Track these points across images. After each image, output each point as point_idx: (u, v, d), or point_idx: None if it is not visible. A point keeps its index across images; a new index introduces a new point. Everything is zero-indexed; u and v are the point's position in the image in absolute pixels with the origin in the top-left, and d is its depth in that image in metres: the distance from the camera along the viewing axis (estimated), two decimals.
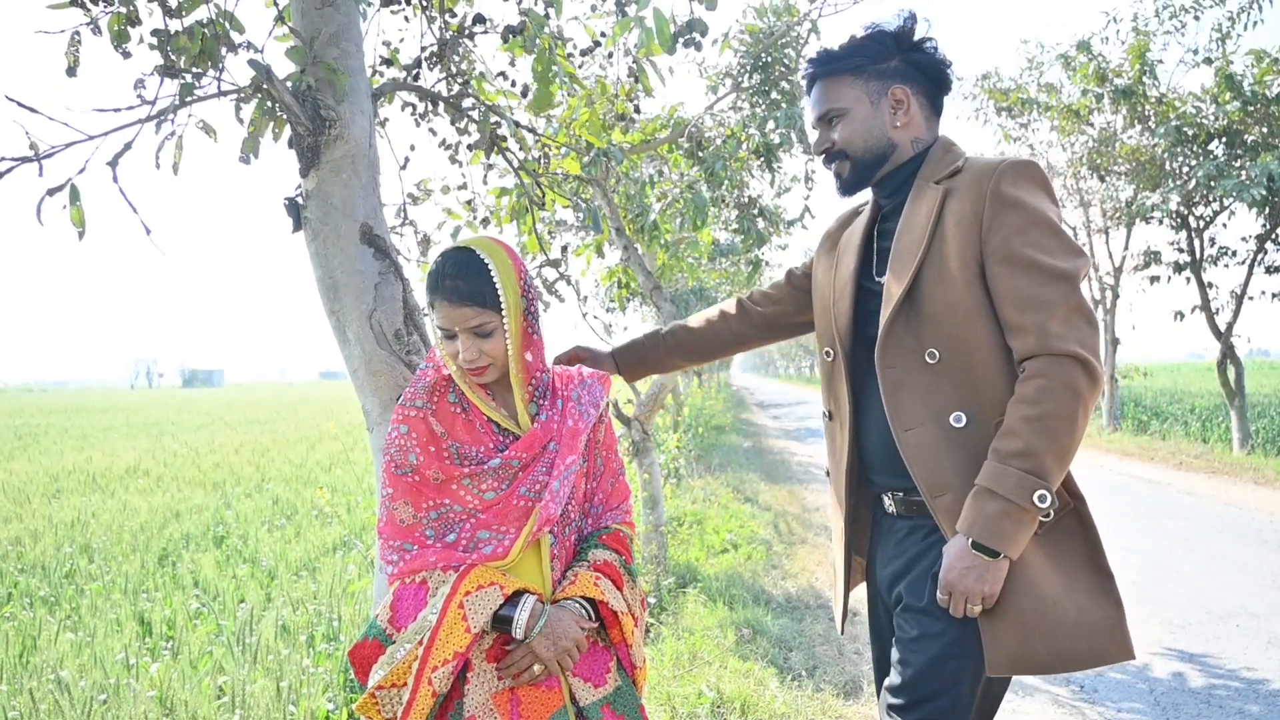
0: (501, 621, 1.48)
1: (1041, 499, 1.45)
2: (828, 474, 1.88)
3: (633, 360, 2.07)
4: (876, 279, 1.72)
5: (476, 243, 1.58)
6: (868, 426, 1.73)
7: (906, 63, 1.69)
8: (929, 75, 1.71)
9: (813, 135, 1.80)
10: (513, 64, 2.73)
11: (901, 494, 1.67)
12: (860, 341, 1.76)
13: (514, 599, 1.49)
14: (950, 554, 1.51)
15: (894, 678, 1.59)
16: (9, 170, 1.74)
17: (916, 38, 1.70)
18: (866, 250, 1.77)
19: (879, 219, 1.78)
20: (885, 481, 1.70)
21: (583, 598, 1.57)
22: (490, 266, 1.54)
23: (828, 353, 1.80)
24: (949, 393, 1.57)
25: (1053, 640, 1.49)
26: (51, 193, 1.76)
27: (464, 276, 1.52)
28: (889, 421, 1.61)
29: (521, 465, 1.56)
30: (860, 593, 1.90)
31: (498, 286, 1.53)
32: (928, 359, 1.58)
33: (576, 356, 2.01)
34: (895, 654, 1.61)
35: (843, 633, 1.91)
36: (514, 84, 2.70)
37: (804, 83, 1.79)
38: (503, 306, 1.53)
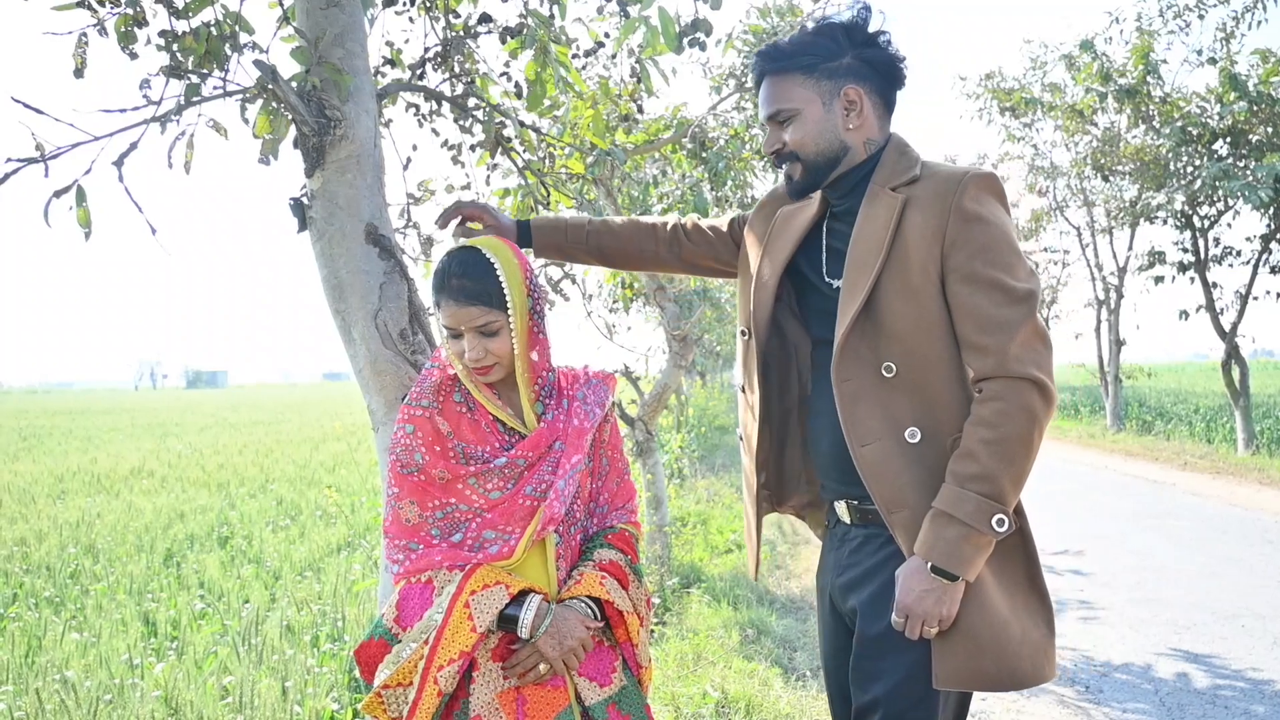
0: (507, 621, 1.48)
1: (999, 523, 1.44)
2: (740, 439, 1.86)
3: (550, 243, 1.95)
4: (828, 280, 1.68)
5: (482, 242, 1.58)
6: (818, 433, 1.69)
7: (860, 59, 1.62)
8: (882, 72, 1.64)
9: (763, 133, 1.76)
10: (507, 65, 2.73)
11: (856, 502, 1.65)
12: (800, 336, 1.75)
13: (519, 598, 1.49)
14: (907, 577, 1.49)
15: (863, 698, 1.57)
16: (15, 171, 1.75)
17: (870, 31, 1.63)
18: (813, 245, 1.73)
19: (829, 214, 1.73)
20: (839, 490, 1.67)
21: (588, 597, 1.57)
22: (496, 266, 1.54)
23: (743, 332, 1.77)
24: (904, 407, 1.55)
25: (1000, 659, 1.49)
26: (58, 194, 1.77)
27: (470, 276, 1.52)
28: (845, 435, 1.57)
29: (527, 464, 1.56)
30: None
31: (503, 286, 1.53)
32: (884, 373, 1.55)
33: (473, 214, 1.82)
34: (859, 677, 1.59)
35: (756, 579, 1.93)
36: (515, 85, 2.70)
37: (753, 76, 1.72)
38: (508, 306, 1.53)
